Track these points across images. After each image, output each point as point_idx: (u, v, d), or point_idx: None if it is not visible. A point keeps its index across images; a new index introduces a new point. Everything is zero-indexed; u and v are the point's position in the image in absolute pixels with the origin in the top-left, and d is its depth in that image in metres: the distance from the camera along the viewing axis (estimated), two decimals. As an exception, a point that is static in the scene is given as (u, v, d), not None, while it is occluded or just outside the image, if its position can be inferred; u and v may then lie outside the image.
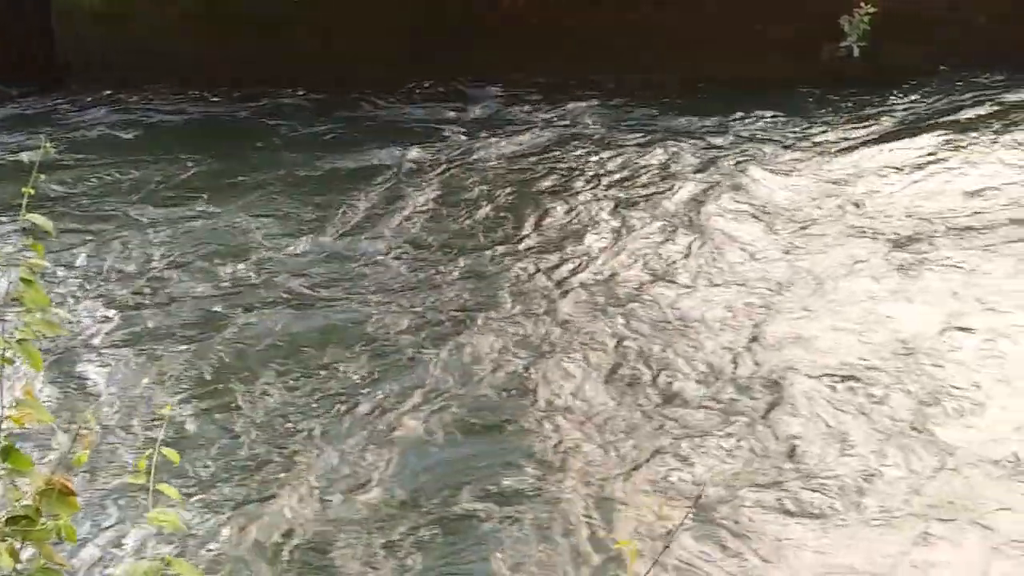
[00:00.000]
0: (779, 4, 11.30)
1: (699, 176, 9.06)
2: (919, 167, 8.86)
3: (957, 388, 6.10)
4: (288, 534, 5.33)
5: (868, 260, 7.47)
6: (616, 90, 11.13)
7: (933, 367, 6.29)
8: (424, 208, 8.87)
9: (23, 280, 2.85)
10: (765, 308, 7.02)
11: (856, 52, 10.95)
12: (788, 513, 5.33)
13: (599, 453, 5.82)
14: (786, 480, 5.53)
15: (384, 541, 5.24)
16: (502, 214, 8.74)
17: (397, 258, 8.07)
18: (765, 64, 10.97)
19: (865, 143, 9.53)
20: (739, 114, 10.29)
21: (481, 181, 9.36)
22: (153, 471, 2.61)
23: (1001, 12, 11.13)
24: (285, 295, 7.60)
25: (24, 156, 9.92)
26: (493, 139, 10.21)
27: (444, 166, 9.70)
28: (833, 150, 9.41)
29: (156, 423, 6.18)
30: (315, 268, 7.97)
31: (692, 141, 9.84)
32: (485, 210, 8.80)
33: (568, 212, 8.65)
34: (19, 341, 2.79)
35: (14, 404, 2.83)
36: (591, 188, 9.05)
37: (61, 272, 7.95)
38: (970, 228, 7.76)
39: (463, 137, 10.34)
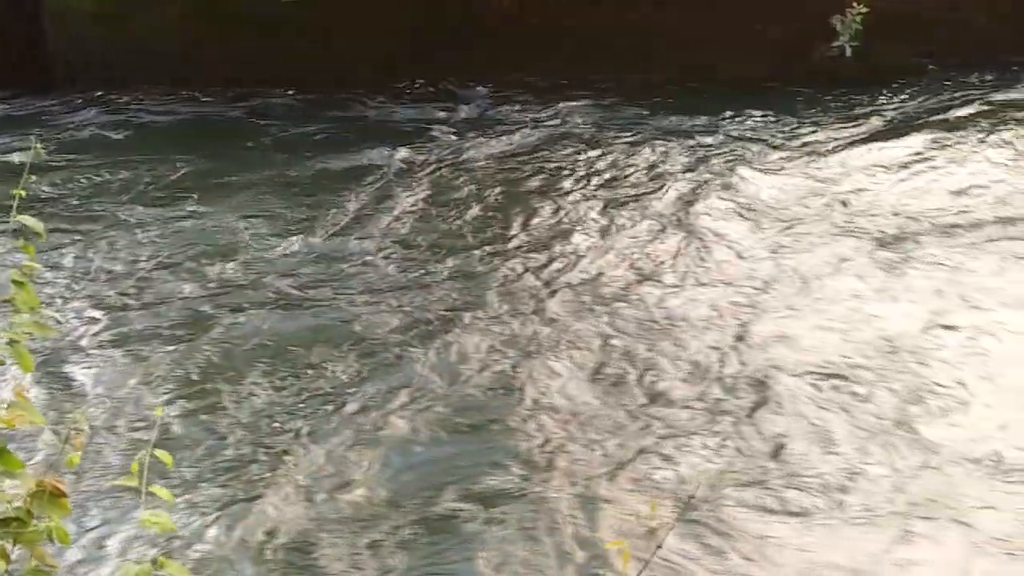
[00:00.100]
0: (771, 4, 11.33)
1: (688, 175, 9.09)
2: (906, 166, 8.89)
3: (941, 386, 6.13)
4: (274, 534, 5.33)
5: (854, 259, 7.50)
6: (607, 90, 11.15)
7: (917, 365, 6.32)
8: (413, 208, 8.89)
9: (14, 282, 2.86)
10: (751, 307, 7.04)
11: (848, 52, 10.98)
12: (772, 512, 5.34)
13: (584, 452, 5.83)
14: (770, 479, 5.54)
15: (370, 541, 5.25)
16: (491, 214, 8.76)
17: (386, 258, 8.09)
18: (757, 64, 11.01)
19: (854, 142, 9.57)
20: (729, 113, 10.32)
21: (471, 181, 9.38)
22: (145, 473, 2.62)
23: (997, 12, 11.17)
24: (275, 295, 7.61)
25: (15, 157, 9.93)
26: (483, 139, 10.23)
27: (434, 166, 9.72)
28: (822, 149, 9.45)
29: (145, 424, 6.20)
30: (304, 268, 7.99)
31: (682, 140, 9.87)
32: (474, 210, 8.82)
33: (557, 212, 8.68)
34: (10, 342, 2.79)
35: (5, 405, 2.83)
36: (580, 188, 9.08)
37: (50, 273, 7.96)
38: (956, 226, 7.79)
39: (453, 137, 10.36)
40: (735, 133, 9.97)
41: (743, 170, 9.08)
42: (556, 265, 7.80)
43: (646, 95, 10.95)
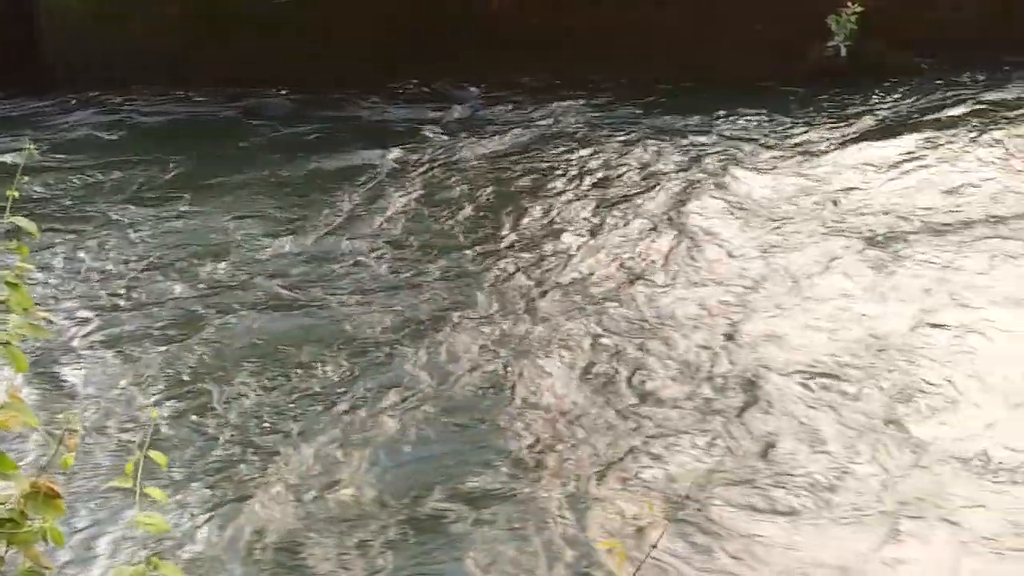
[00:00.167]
0: (766, 4, 11.35)
1: (680, 175, 9.09)
2: (897, 165, 8.91)
3: (930, 385, 6.14)
4: (264, 533, 5.34)
5: (844, 257, 7.52)
6: (600, 90, 11.16)
7: (906, 364, 6.33)
8: (405, 208, 8.89)
9: (7, 284, 2.86)
10: (741, 306, 7.05)
11: (843, 51, 11.00)
12: (761, 511, 5.35)
13: (574, 452, 5.84)
14: (759, 478, 5.55)
15: (359, 540, 5.26)
16: (483, 214, 8.77)
17: (378, 258, 8.10)
18: (752, 63, 11.02)
19: (846, 142, 9.58)
20: (723, 113, 10.32)
21: (463, 181, 9.39)
22: (139, 474, 2.63)
23: (989, 12, 11.19)
24: (267, 295, 7.62)
25: (8, 158, 9.92)
26: (476, 139, 10.24)
27: (427, 166, 9.72)
28: (814, 149, 9.46)
29: (135, 425, 6.21)
30: (296, 268, 8.00)
31: (675, 140, 9.88)
32: (466, 210, 8.83)
33: (548, 212, 8.69)
34: (3, 344, 2.79)
35: (-1, 406, 2.83)
36: (572, 187, 9.09)
37: (42, 273, 7.96)
38: (945, 225, 7.81)
39: (446, 137, 10.37)
40: (728, 133, 9.98)
41: (735, 169, 9.09)
42: (547, 265, 7.81)
43: (640, 95, 10.96)
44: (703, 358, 6.54)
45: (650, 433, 5.93)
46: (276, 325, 7.21)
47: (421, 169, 9.65)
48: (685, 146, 9.72)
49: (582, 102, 10.94)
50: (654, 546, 5.03)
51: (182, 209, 9.05)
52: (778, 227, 8.03)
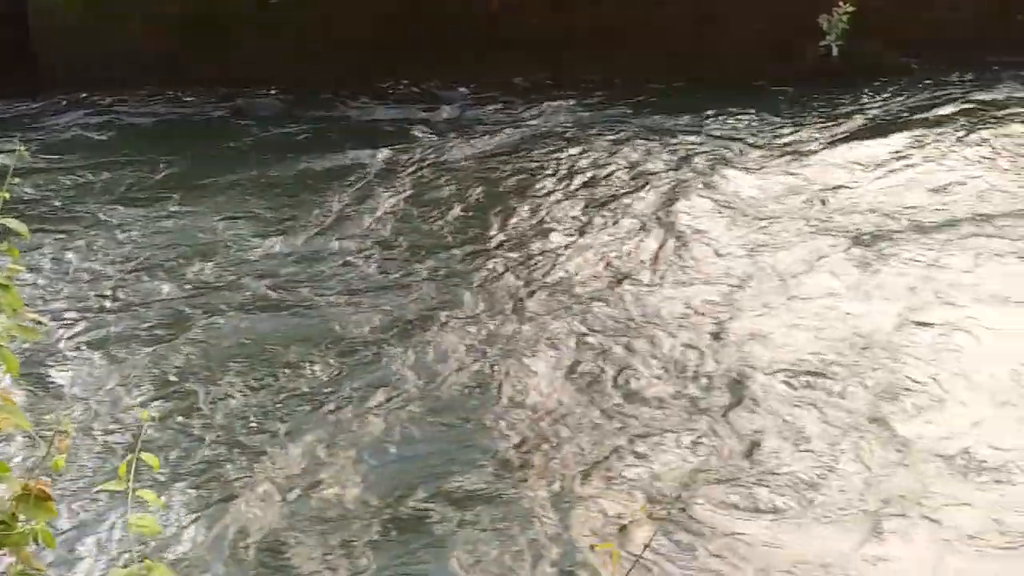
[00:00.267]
0: (758, 4, 11.36)
1: (669, 174, 9.10)
2: (885, 164, 8.92)
3: (914, 383, 6.16)
4: (249, 533, 5.36)
5: (829, 256, 7.53)
6: (592, 89, 11.16)
7: (891, 362, 6.35)
8: (394, 208, 8.90)
9: (-2, 285, 2.86)
10: (727, 305, 7.07)
11: (835, 51, 11.01)
12: (745, 509, 5.37)
13: (560, 451, 5.86)
14: (744, 476, 5.58)
15: (344, 540, 5.28)
16: (471, 214, 8.78)
17: (366, 258, 8.11)
18: (743, 63, 11.03)
19: (835, 141, 9.58)
20: (713, 112, 10.33)
21: (452, 181, 9.39)
22: (132, 477, 2.63)
23: (983, 12, 11.21)
24: (255, 296, 7.62)
25: (-2, 160, 9.93)
26: (464, 139, 10.24)
27: (416, 166, 9.73)
28: (803, 148, 9.46)
29: (122, 426, 6.22)
30: (285, 268, 8.00)
31: (665, 139, 9.88)
32: (455, 210, 8.83)
33: (536, 211, 8.70)
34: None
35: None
36: (561, 187, 9.10)
37: (31, 274, 7.96)
38: (932, 224, 7.83)
39: (435, 137, 10.37)
40: (718, 132, 9.99)
41: (724, 169, 9.10)
42: (534, 264, 7.83)
43: (631, 94, 10.97)
44: (689, 357, 6.56)
45: (635, 432, 5.95)
46: (264, 325, 7.22)
47: (410, 169, 9.65)
48: (674, 146, 9.73)
49: (573, 102, 10.94)
50: (647, 546, 5.04)
51: (171, 209, 9.05)
52: (765, 226, 8.05)
